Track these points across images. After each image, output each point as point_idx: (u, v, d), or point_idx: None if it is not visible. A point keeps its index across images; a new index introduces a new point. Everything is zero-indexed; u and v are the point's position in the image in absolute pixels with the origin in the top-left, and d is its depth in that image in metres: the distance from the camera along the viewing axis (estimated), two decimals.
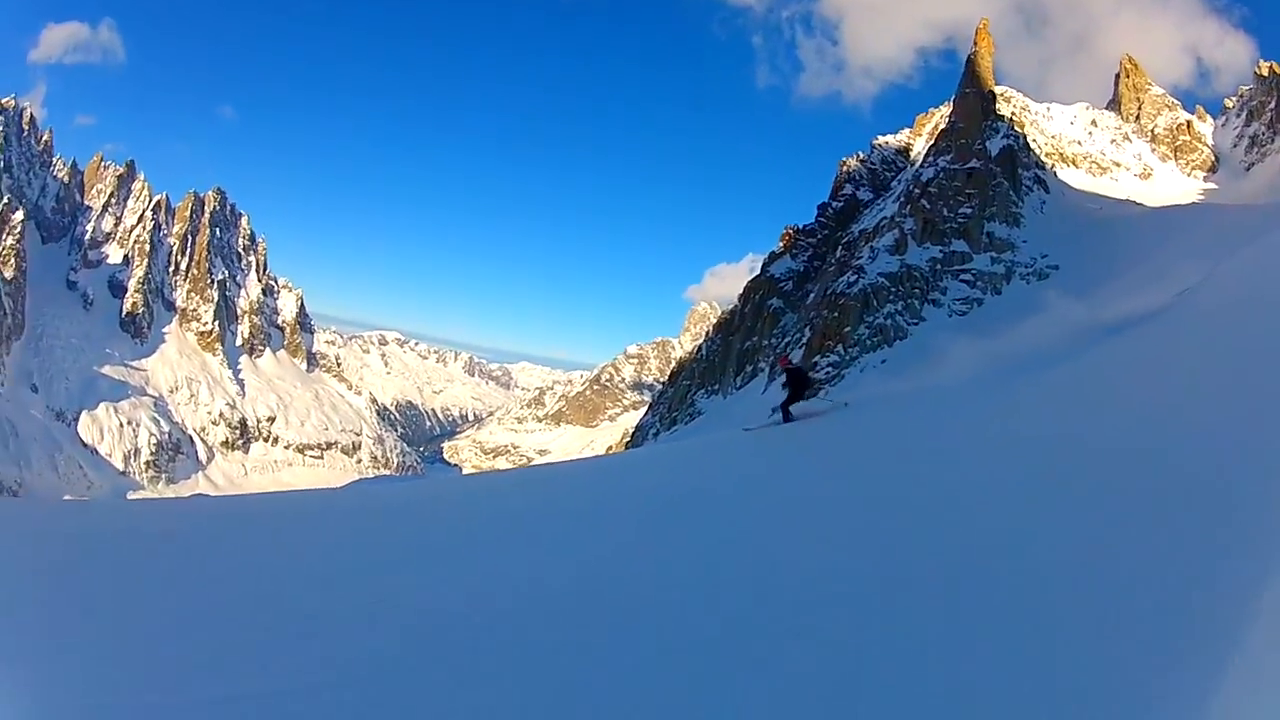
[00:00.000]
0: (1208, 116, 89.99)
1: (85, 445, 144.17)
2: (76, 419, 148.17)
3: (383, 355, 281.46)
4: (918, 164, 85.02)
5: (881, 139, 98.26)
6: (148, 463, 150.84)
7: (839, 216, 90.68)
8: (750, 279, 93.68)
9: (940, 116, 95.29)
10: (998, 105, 76.52)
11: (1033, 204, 67.85)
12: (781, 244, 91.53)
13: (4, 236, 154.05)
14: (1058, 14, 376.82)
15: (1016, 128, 75.69)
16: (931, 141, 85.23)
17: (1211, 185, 78.03)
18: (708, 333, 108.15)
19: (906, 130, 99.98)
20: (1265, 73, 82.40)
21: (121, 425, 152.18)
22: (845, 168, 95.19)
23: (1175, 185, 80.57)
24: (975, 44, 76.39)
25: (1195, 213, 62.21)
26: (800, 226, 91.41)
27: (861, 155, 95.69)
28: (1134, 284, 30.82)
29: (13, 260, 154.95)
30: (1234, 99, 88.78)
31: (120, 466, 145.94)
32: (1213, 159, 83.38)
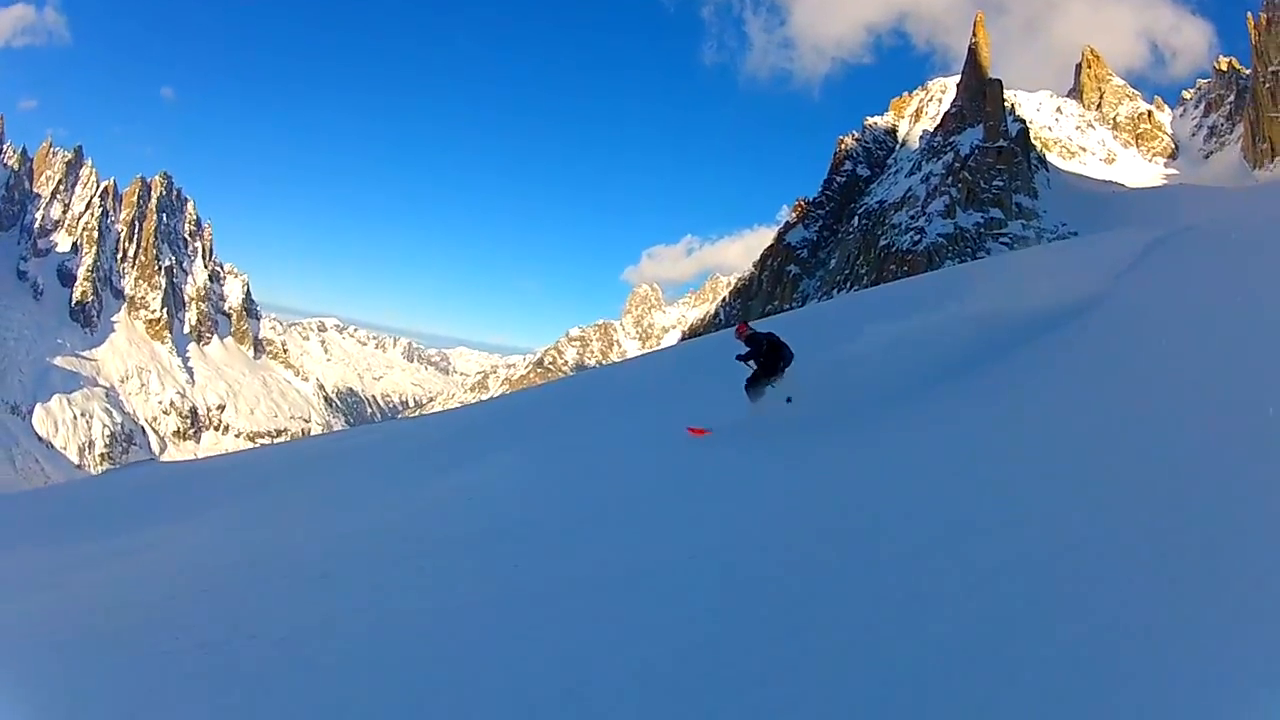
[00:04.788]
0: (1165, 106, 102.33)
1: (40, 439, 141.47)
2: (31, 412, 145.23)
3: (322, 342, 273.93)
4: (916, 143, 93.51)
5: (871, 120, 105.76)
6: (102, 455, 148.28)
7: (843, 190, 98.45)
8: (766, 247, 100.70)
9: (921, 101, 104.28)
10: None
11: (1041, 180, 77.15)
12: (795, 214, 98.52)
13: None
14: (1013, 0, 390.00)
15: (1017, 113, 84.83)
16: (931, 123, 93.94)
17: (1173, 170, 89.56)
18: (724, 298, 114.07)
19: (890, 114, 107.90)
20: (1224, 68, 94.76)
21: (75, 417, 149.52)
22: (843, 146, 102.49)
23: (1139, 170, 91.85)
24: (975, 35, 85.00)
25: (1177, 192, 72.67)
26: (809, 199, 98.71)
27: (856, 134, 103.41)
28: None
29: None
30: (1192, 91, 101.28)
31: (75, 460, 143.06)
32: (1172, 146, 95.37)
